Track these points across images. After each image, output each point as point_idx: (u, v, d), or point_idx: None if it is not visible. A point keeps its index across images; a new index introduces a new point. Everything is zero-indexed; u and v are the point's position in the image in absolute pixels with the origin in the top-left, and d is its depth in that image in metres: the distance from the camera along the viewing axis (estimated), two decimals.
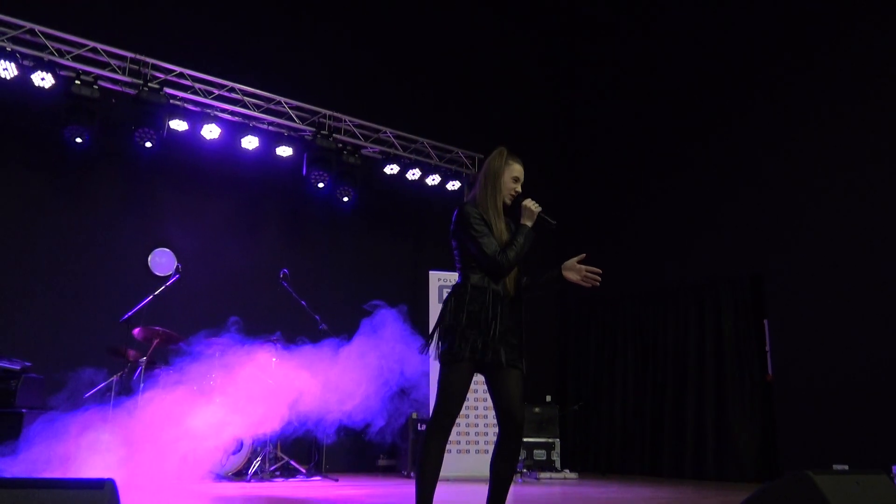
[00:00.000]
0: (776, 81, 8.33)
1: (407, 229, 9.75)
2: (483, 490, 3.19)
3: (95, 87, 6.88)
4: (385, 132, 8.74)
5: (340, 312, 7.89)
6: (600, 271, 3.21)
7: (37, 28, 6.73)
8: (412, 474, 7.65)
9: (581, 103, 11.10)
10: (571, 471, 8.36)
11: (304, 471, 6.80)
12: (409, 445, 7.84)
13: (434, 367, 7.35)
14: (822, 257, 7.57)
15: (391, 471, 8.43)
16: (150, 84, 7.13)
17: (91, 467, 5.10)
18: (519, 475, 7.92)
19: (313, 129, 8.16)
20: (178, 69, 7.44)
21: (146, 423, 5.65)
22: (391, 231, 9.61)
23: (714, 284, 8.60)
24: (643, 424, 9.09)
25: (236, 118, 7.83)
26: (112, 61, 7.11)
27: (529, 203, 3.27)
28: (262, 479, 6.33)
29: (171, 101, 7.32)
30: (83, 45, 6.96)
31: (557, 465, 8.46)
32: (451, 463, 7.24)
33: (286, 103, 8.09)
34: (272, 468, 6.58)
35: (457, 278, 3.28)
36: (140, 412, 5.77)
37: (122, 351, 6.46)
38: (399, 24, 9.87)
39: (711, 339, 8.51)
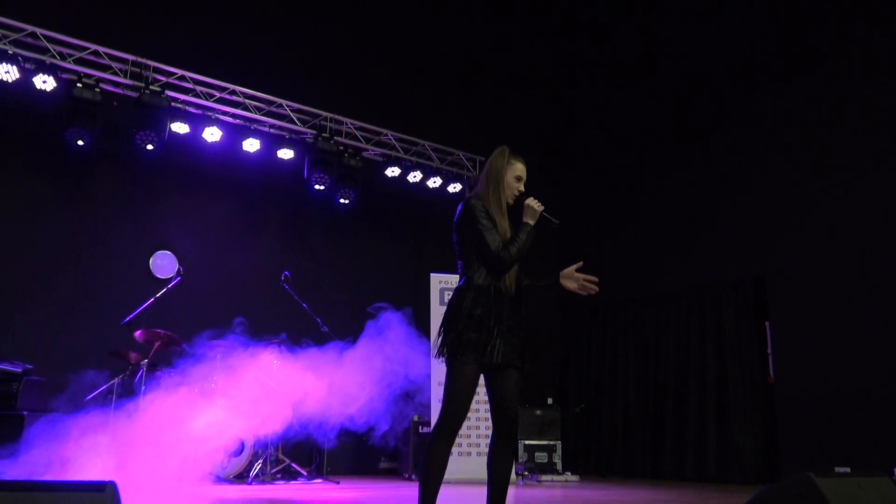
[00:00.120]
0: (777, 83, 8.33)
1: (408, 231, 9.75)
2: (484, 493, 3.19)
3: (97, 89, 6.89)
4: (386, 134, 8.74)
5: (342, 315, 7.90)
6: (597, 279, 3.26)
7: (38, 31, 6.74)
8: (413, 477, 7.65)
9: (582, 105, 11.11)
10: (573, 473, 8.35)
11: (305, 473, 6.80)
12: (411, 448, 7.84)
13: (436, 370, 7.37)
14: (824, 259, 7.56)
15: (392, 473, 8.43)
16: (151, 87, 7.14)
17: (92, 470, 5.11)
18: (520, 477, 7.92)
19: (314, 132, 8.17)
20: (180, 72, 7.45)
21: (147, 425, 5.65)
22: (392, 233, 9.61)
23: (716, 286, 8.59)
24: (645, 427, 9.08)
25: (237, 121, 7.84)
26: (114, 64, 7.12)
27: (532, 202, 3.28)
28: (263, 482, 6.33)
29: (173, 103, 7.33)
30: (85, 48, 6.97)
31: (559, 467, 8.46)
32: (453, 465, 7.20)
33: (287, 106, 8.10)
34: (273, 471, 6.57)
35: (458, 278, 3.28)
36: (141, 415, 5.78)
37: (123, 353, 6.46)
38: (400, 27, 9.88)
39: (713, 342, 8.50)
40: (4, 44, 6.54)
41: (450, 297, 3.28)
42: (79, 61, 6.95)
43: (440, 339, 3.18)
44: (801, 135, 8.03)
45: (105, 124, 7.16)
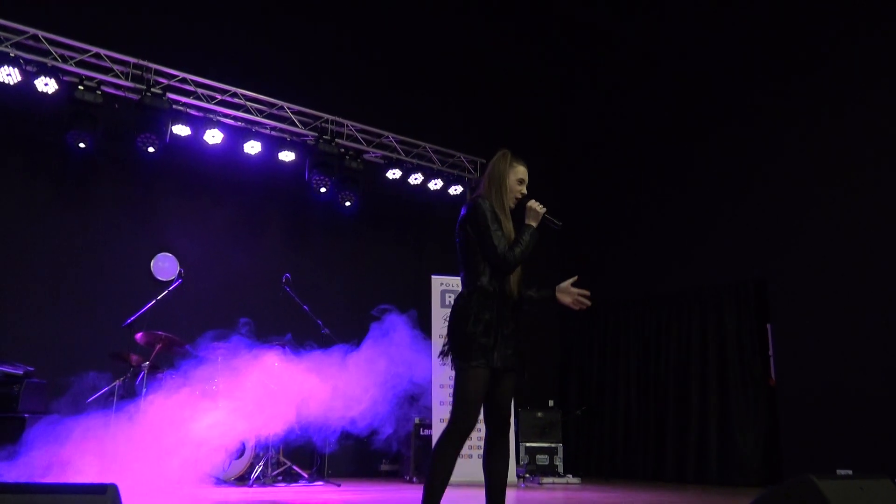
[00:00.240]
0: (778, 83, 8.33)
1: (409, 234, 9.75)
2: (483, 495, 3.19)
3: (98, 92, 6.90)
4: (387, 137, 8.75)
5: (342, 317, 7.91)
6: (589, 293, 3.33)
7: (40, 34, 6.75)
8: (415, 479, 7.64)
9: (583, 106, 11.11)
10: (574, 476, 8.34)
11: (306, 476, 6.79)
12: (412, 451, 7.83)
13: (438, 372, 7.36)
14: (826, 261, 7.55)
15: (394, 476, 8.42)
16: (152, 89, 7.14)
17: (93, 472, 5.10)
18: (521, 480, 7.91)
19: (315, 134, 8.17)
20: (181, 74, 7.46)
21: (148, 427, 5.65)
22: (393, 236, 9.62)
23: (717, 289, 8.58)
24: (646, 429, 9.07)
25: (239, 123, 7.84)
26: (115, 67, 7.13)
27: (534, 204, 3.30)
28: (264, 484, 6.32)
29: (174, 106, 7.34)
30: (86, 51, 6.98)
31: (560, 469, 8.45)
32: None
33: (288, 108, 8.11)
34: (274, 473, 6.57)
35: (461, 281, 3.28)
36: (142, 417, 5.78)
37: (124, 356, 6.46)
38: (400, 29, 9.89)
39: (714, 344, 8.49)
40: (6, 46, 6.55)
41: (453, 299, 3.28)
42: (80, 64, 6.96)
43: (448, 342, 3.17)
44: (801, 136, 8.02)
45: (106, 127, 7.16)
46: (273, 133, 8.06)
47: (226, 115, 7.75)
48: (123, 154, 7.66)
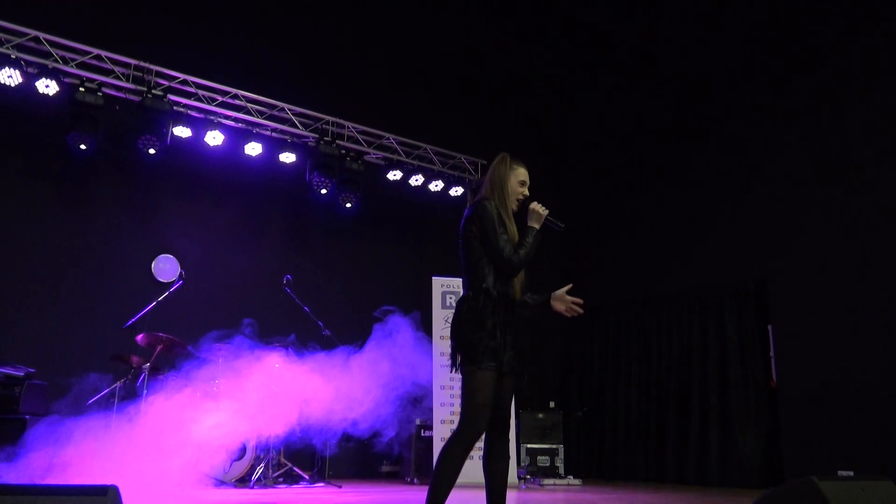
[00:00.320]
0: (778, 83, 8.33)
1: (410, 235, 9.76)
2: (483, 496, 3.19)
3: (99, 94, 6.91)
4: (388, 138, 8.75)
5: (343, 318, 7.92)
6: (582, 301, 3.34)
7: (41, 35, 6.76)
8: (415, 480, 7.64)
9: (583, 107, 11.12)
10: (575, 477, 8.33)
11: (307, 477, 6.79)
12: (413, 452, 7.83)
13: (439, 374, 7.35)
14: (827, 262, 7.55)
15: (394, 477, 8.42)
16: (153, 91, 7.15)
17: (94, 473, 5.10)
18: (522, 481, 7.90)
19: (316, 136, 8.18)
20: (182, 76, 7.47)
21: (149, 429, 5.65)
22: (394, 237, 9.63)
23: (718, 289, 8.58)
24: (647, 430, 9.06)
25: (240, 125, 7.85)
26: (116, 68, 7.14)
27: (537, 206, 3.31)
28: (265, 486, 6.32)
29: (175, 107, 7.34)
30: (87, 53, 6.99)
31: (561, 471, 8.44)
32: None
33: (289, 110, 8.11)
34: (275, 474, 6.57)
35: (464, 283, 3.27)
36: (143, 418, 5.78)
37: (125, 357, 6.47)
38: (401, 31, 9.90)
39: (715, 345, 8.48)
40: (7, 48, 6.56)
41: (453, 300, 3.29)
42: (81, 65, 6.96)
43: (455, 346, 3.16)
44: (802, 136, 8.02)
45: (107, 128, 7.17)
46: (274, 134, 8.06)
47: (226, 117, 7.76)
48: (124, 156, 7.66)
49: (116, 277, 7.59)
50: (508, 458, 3.25)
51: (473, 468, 7.58)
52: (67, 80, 6.86)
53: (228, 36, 8.54)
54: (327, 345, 6.83)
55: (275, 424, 6.20)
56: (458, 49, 10.32)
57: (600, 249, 10.29)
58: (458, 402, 7.41)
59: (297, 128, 8.16)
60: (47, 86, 6.68)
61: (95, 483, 2.20)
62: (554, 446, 8.54)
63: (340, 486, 6.72)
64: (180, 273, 7.10)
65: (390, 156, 8.75)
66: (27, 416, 5.88)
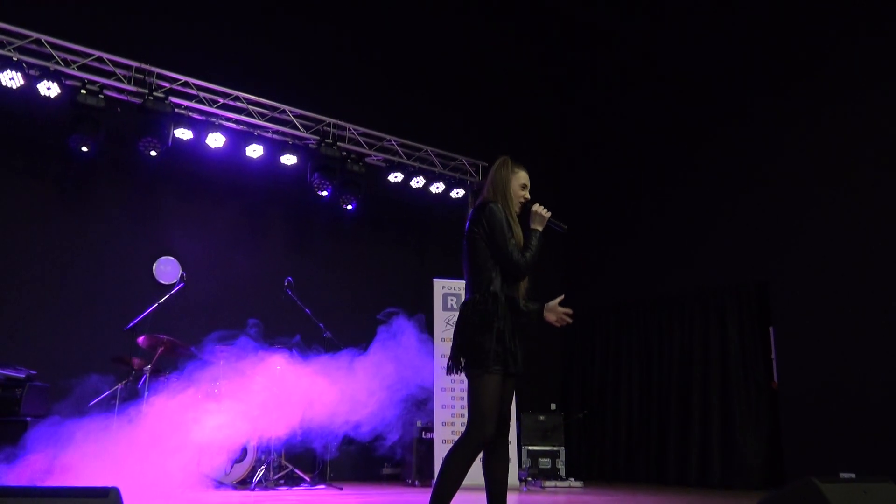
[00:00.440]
0: (779, 85, 8.33)
1: (411, 237, 9.77)
2: (484, 498, 3.18)
3: (101, 96, 6.91)
4: (389, 140, 8.75)
5: (344, 320, 7.92)
6: (572, 312, 3.42)
7: (43, 38, 6.77)
8: (417, 483, 7.63)
9: (584, 109, 11.12)
10: (577, 479, 8.32)
11: (308, 479, 6.79)
12: (415, 455, 7.82)
13: (440, 376, 7.34)
14: (829, 264, 7.54)
15: (396, 479, 8.41)
16: (155, 93, 7.16)
17: (95, 475, 5.10)
18: (523, 483, 7.89)
19: (317, 138, 8.18)
20: (184, 78, 7.47)
21: (150, 431, 5.65)
22: (395, 239, 9.63)
23: (719, 291, 8.57)
24: (648, 432, 9.06)
25: (241, 127, 7.85)
26: (117, 70, 7.15)
27: (539, 208, 3.32)
28: (266, 488, 6.32)
29: (176, 109, 7.35)
30: (89, 55, 7.00)
31: (562, 473, 8.43)
32: None
33: (290, 112, 8.12)
34: (276, 476, 6.57)
35: (468, 285, 3.26)
36: (144, 420, 5.78)
37: (126, 359, 6.47)
38: (402, 33, 9.91)
39: (717, 347, 8.47)
40: (9, 50, 6.57)
41: (455, 302, 3.29)
42: (83, 68, 6.97)
43: (459, 350, 3.15)
44: (804, 138, 8.02)
45: (109, 130, 7.18)
46: (275, 136, 8.07)
47: (228, 119, 7.76)
48: (125, 158, 7.67)
49: (117, 279, 7.60)
50: (508, 459, 3.25)
51: (473, 470, 7.54)
52: (69, 82, 6.87)
53: (230, 38, 8.55)
54: (328, 346, 6.84)
55: (276, 426, 6.20)
56: (459, 50, 10.33)
57: (601, 251, 10.29)
58: (459, 404, 7.42)
59: (299, 130, 8.17)
60: (49, 88, 6.69)
61: (96, 485, 2.20)
62: (555, 448, 8.53)
63: (342, 489, 6.72)
64: (181, 275, 7.10)
65: (391, 158, 8.75)
66: (28, 418, 5.88)
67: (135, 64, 7.21)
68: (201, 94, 7.60)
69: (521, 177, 3.37)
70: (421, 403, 7.20)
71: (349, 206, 8.46)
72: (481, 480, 3.18)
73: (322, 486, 6.80)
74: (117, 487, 2.17)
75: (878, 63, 7.50)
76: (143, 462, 5.39)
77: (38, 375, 6.27)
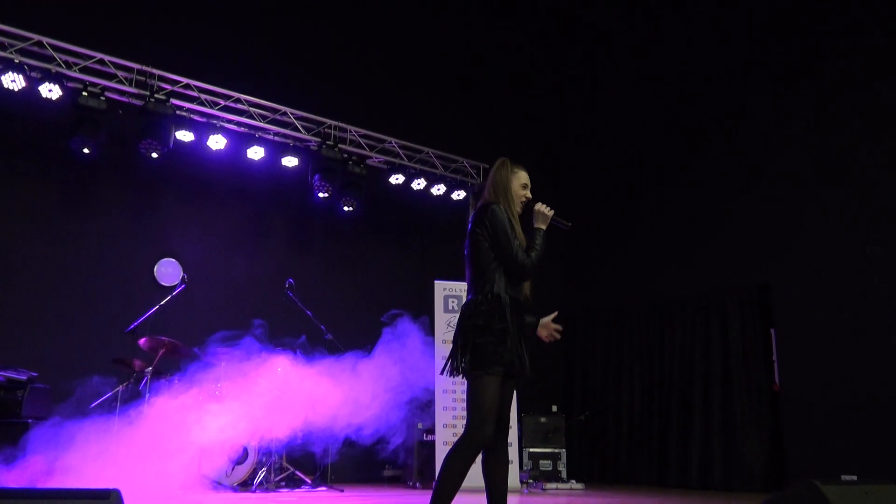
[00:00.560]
0: (780, 86, 8.33)
1: (412, 239, 9.77)
2: (484, 501, 3.18)
3: (102, 98, 6.92)
4: (390, 142, 8.76)
5: (345, 322, 7.92)
6: (561, 328, 3.42)
7: (45, 40, 6.78)
8: (418, 485, 7.63)
9: (586, 111, 11.11)
10: (578, 481, 8.32)
11: (309, 481, 6.78)
12: (416, 457, 7.81)
13: (441, 377, 7.34)
14: (830, 266, 7.54)
15: (397, 481, 8.40)
16: (156, 95, 7.17)
17: (96, 477, 5.10)
18: (525, 486, 7.89)
19: (319, 140, 8.18)
20: (185, 80, 7.48)
21: (151, 432, 5.65)
22: (397, 241, 9.63)
23: (720, 293, 8.56)
24: (650, 434, 9.05)
25: (242, 129, 7.86)
26: (119, 73, 7.16)
27: (542, 207, 3.32)
28: (267, 490, 6.31)
29: (178, 112, 7.35)
30: (90, 57, 7.00)
31: (564, 475, 8.42)
32: None
33: (292, 114, 8.12)
34: (277, 478, 6.56)
35: (469, 286, 3.26)
36: (145, 422, 5.78)
37: (127, 361, 6.47)
38: (403, 35, 9.92)
39: (718, 349, 8.47)
40: (11, 53, 6.58)
41: (456, 304, 3.28)
42: (84, 70, 6.98)
43: (459, 351, 3.14)
44: (805, 140, 8.01)
45: (110, 133, 7.18)
46: (276, 138, 8.07)
47: (229, 121, 7.77)
48: (127, 160, 7.68)
49: (119, 281, 7.60)
50: (508, 461, 3.24)
51: (474, 472, 7.54)
52: (70, 84, 6.88)
53: (231, 40, 8.56)
54: (329, 348, 6.84)
55: (277, 428, 6.20)
56: (460, 52, 10.33)
57: (602, 253, 10.29)
58: (461, 406, 7.41)
59: (300, 132, 8.17)
60: (50, 90, 6.69)
61: (97, 487, 2.20)
62: (556, 450, 8.52)
63: (342, 491, 6.71)
64: (183, 277, 7.10)
65: (392, 159, 8.76)
66: (30, 420, 5.88)
67: (136, 66, 7.22)
68: (202, 96, 7.61)
69: (522, 176, 3.37)
70: (425, 406, 7.20)
71: (350, 208, 8.45)
72: (481, 483, 3.17)
73: (323, 488, 6.80)
74: (118, 489, 2.17)
75: (878, 63, 7.50)
76: (144, 464, 5.40)
77: (39, 377, 6.27)
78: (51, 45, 6.81)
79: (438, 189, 8.98)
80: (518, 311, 3.19)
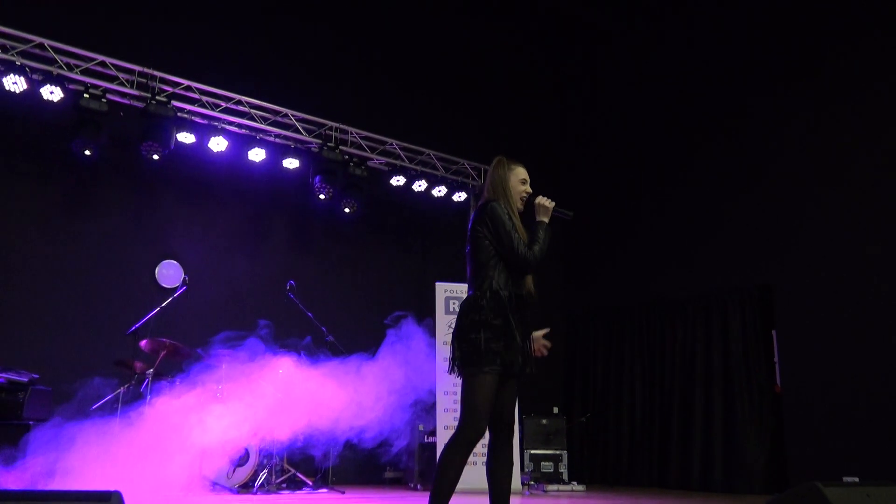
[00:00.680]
0: (781, 87, 8.32)
1: (413, 241, 9.77)
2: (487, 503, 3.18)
3: (104, 100, 6.93)
4: (391, 144, 8.76)
5: (346, 324, 7.93)
6: (550, 345, 3.37)
7: (46, 42, 6.78)
8: (419, 487, 7.62)
9: (586, 112, 11.12)
10: (579, 483, 8.31)
11: (310, 483, 6.78)
12: (417, 459, 7.81)
13: (442, 379, 7.34)
14: (831, 266, 7.53)
15: (398, 483, 8.40)
16: (157, 97, 7.17)
17: (97, 479, 5.10)
18: (526, 487, 7.88)
19: (320, 142, 8.19)
20: (186, 82, 7.49)
21: (152, 434, 5.65)
22: (397, 242, 9.64)
23: (722, 294, 8.56)
24: (651, 436, 9.04)
25: (243, 131, 7.86)
26: (120, 75, 7.16)
27: (542, 200, 3.32)
28: (268, 492, 6.31)
29: (179, 114, 7.36)
30: (92, 59, 7.01)
31: (565, 477, 8.42)
32: None
33: (293, 115, 8.12)
34: (278, 480, 6.56)
35: (469, 285, 3.26)
36: (146, 424, 5.78)
37: (129, 363, 6.48)
38: (404, 36, 9.93)
39: (719, 350, 8.46)
40: (12, 55, 6.59)
41: (460, 304, 3.26)
42: (86, 72, 6.99)
43: (455, 348, 3.15)
44: (805, 140, 8.01)
45: (111, 134, 7.19)
46: (277, 140, 8.07)
47: (230, 123, 7.77)
48: (128, 162, 7.68)
49: (120, 283, 7.61)
50: (512, 464, 3.24)
51: (476, 474, 7.56)
52: (72, 86, 6.89)
53: (232, 42, 8.57)
54: (330, 350, 6.84)
55: (278, 430, 6.20)
56: (460, 53, 10.34)
57: (603, 253, 10.28)
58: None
59: (301, 133, 8.17)
60: (52, 92, 6.70)
61: (99, 488, 2.20)
62: (558, 452, 8.52)
63: (344, 492, 6.71)
64: (184, 279, 7.11)
65: (393, 161, 8.76)
66: (31, 422, 5.88)
67: (137, 68, 7.23)
68: (204, 98, 7.61)
69: (519, 172, 3.38)
70: (430, 408, 7.20)
71: (348, 209, 8.45)
72: (484, 485, 3.17)
73: (324, 490, 6.79)
74: (119, 491, 2.17)
75: (878, 63, 7.50)
76: (144, 465, 5.40)
77: (40, 379, 6.27)
78: (52, 48, 6.82)
79: (439, 191, 8.98)
80: (520, 307, 3.17)
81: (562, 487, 8.11)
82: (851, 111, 7.67)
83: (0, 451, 5.36)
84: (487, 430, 3.21)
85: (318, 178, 8.05)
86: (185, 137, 7.41)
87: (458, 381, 3.16)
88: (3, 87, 6.53)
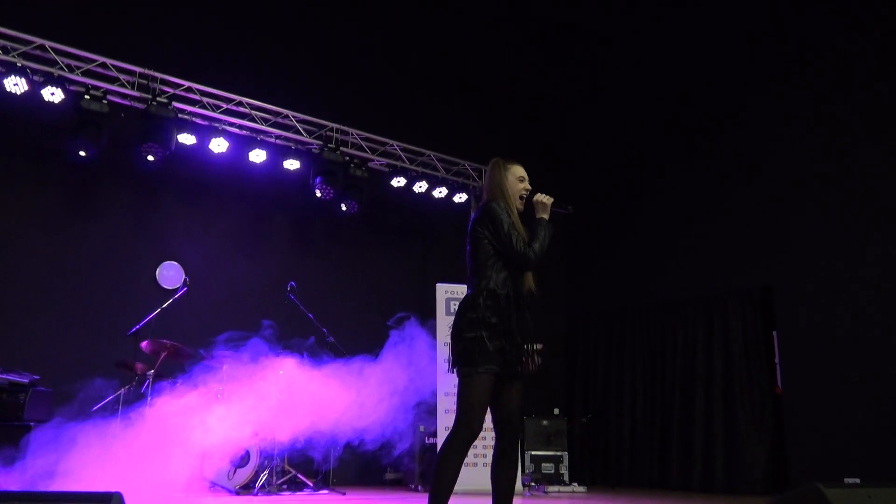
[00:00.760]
0: (781, 87, 8.32)
1: (414, 242, 9.77)
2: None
3: (104, 101, 6.93)
4: (392, 145, 8.76)
5: (347, 325, 7.93)
6: (541, 361, 3.31)
7: (47, 44, 6.79)
8: (420, 488, 7.62)
9: (587, 113, 11.11)
10: (580, 484, 8.30)
11: (311, 484, 6.78)
12: (417, 460, 7.81)
13: (442, 379, 7.34)
14: (832, 268, 7.53)
15: (399, 484, 8.40)
16: (158, 98, 7.17)
17: (98, 480, 5.10)
18: (527, 489, 7.88)
19: (320, 143, 8.19)
20: (187, 83, 7.49)
21: (153, 435, 5.65)
22: (398, 244, 9.64)
23: (723, 295, 8.56)
24: (652, 437, 9.03)
25: (244, 132, 7.86)
26: (121, 76, 7.17)
27: (541, 197, 3.34)
28: (269, 493, 6.31)
29: (180, 115, 7.36)
30: (92, 61, 7.02)
31: (566, 478, 8.41)
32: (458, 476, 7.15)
33: (293, 117, 8.13)
34: (279, 481, 6.56)
35: (469, 284, 3.27)
36: (147, 425, 5.78)
37: (129, 364, 6.47)
38: (405, 37, 9.93)
39: (720, 351, 8.46)
40: (13, 56, 6.59)
41: (459, 303, 3.26)
42: (87, 73, 6.99)
43: (454, 347, 3.15)
44: (807, 141, 8.01)
45: (112, 136, 7.19)
46: (278, 141, 8.08)
47: (231, 124, 7.77)
48: (129, 163, 7.68)
49: (121, 284, 7.61)
50: (517, 466, 3.23)
51: (478, 475, 7.57)
52: (73, 87, 6.89)
53: (233, 43, 8.57)
54: (331, 351, 6.84)
55: (279, 431, 6.20)
56: (461, 54, 10.34)
57: (604, 255, 10.28)
58: None
59: (302, 135, 8.18)
60: (53, 93, 6.70)
61: (99, 490, 2.20)
62: (558, 453, 8.52)
63: (344, 494, 6.71)
64: (185, 280, 7.11)
65: (394, 162, 8.76)
66: (32, 423, 5.88)
67: (138, 69, 7.23)
68: (204, 99, 7.62)
69: (517, 171, 3.40)
70: (431, 410, 7.20)
71: (351, 211, 8.45)
72: (486, 486, 3.17)
73: (325, 492, 6.79)
74: (120, 492, 2.17)
75: (878, 63, 7.50)
76: (146, 467, 5.40)
77: (41, 380, 6.27)
78: (53, 49, 6.83)
79: (440, 192, 8.98)
80: (519, 307, 3.17)
81: (562, 489, 8.11)
82: (851, 111, 7.67)
83: (1, 451, 5.36)
84: (493, 432, 3.21)
85: (318, 179, 8.05)
86: (186, 138, 7.41)
87: (458, 380, 3.16)
88: (4, 88, 6.54)
